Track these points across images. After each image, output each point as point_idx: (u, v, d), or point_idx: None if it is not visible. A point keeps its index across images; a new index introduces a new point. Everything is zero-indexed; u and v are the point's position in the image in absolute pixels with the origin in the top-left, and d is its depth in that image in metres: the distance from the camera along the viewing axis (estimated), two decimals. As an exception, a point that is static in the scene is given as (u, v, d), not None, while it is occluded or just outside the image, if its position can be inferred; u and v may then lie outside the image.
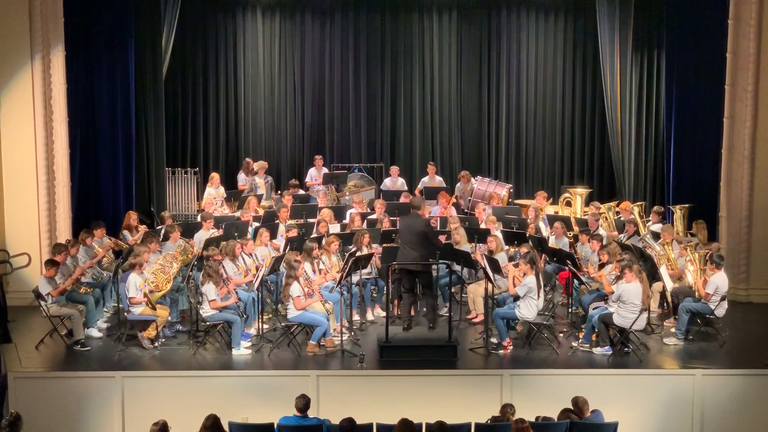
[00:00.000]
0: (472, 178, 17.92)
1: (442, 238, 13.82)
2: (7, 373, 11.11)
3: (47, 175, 14.48)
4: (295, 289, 11.80)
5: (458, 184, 18.11)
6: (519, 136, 20.67)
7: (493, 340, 12.19)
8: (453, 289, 13.44)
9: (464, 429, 9.57)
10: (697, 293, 12.41)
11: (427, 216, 15.59)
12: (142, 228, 14.89)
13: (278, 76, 20.33)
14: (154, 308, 11.99)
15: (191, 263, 13.02)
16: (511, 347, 12.11)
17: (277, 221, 14.86)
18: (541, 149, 20.69)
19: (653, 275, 12.99)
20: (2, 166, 14.40)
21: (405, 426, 8.92)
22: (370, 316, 13.48)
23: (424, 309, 12.99)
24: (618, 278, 12.01)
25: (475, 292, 13.34)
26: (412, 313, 12.97)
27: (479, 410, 10.09)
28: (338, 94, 20.47)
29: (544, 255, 13.74)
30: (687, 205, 15.97)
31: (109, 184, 16.61)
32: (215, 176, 17.23)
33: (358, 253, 12.82)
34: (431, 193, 17.20)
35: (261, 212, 15.68)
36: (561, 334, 12.72)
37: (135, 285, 11.87)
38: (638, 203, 16.73)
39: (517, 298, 12.06)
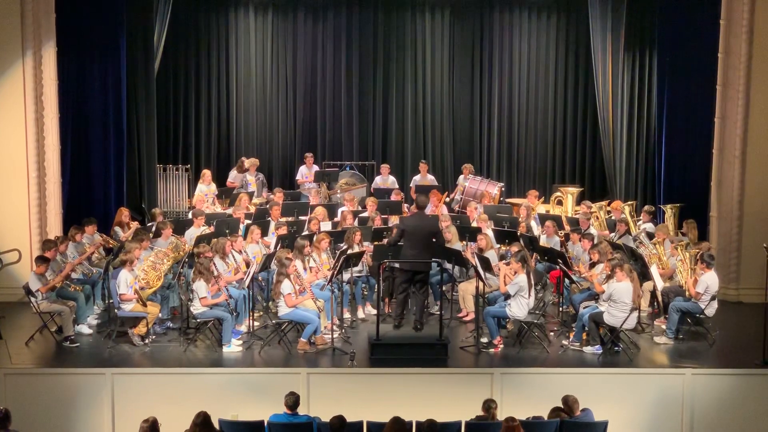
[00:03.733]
0: (469, 175, 17.94)
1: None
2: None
3: (38, 171, 14.45)
4: (286, 286, 11.80)
5: (461, 177, 18.15)
6: (511, 135, 20.69)
7: (484, 338, 12.20)
8: (444, 288, 13.44)
9: (454, 427, 9.58)
10: (687, 292, 12.44)
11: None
12: (134, 225, 14.86)
13: (270, 73, 20.32)
14: (144, 305, 11.97)
15: (182, 260, 13.00)
16: (501, 346, 12.12)
17: (269, 218, 14.86)
18: (532, 148, 20.71)
19: (644, 274, 13.01)
20: (-7, 162, 14.39)
21: (396, 424, 8.92)
22: (360, 314, 13.48)
23: (414, 307, 12.96)
24: (609, 277, 12.03)
25: (466, 290, 13.34)
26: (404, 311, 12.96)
27: (470, 408, 10.09)
28: (330, 91, 20.46)
29: (535, 254, 13.75)
30: (678, 205, 16.01)
31: (101, 181, 16.59)
32: (206, 173, 17.19)
33: (350, 251, 12.81)
34: (423, 192, 17.17)
35: (252, 209, 15.66)
36: (552, 333, 12.74)
37: (126, 282, 11.84)
38: (629, 202, 16.77)
39: (508, 296, 12.06)
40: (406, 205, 16.49)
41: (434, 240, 12.64)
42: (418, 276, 12.61)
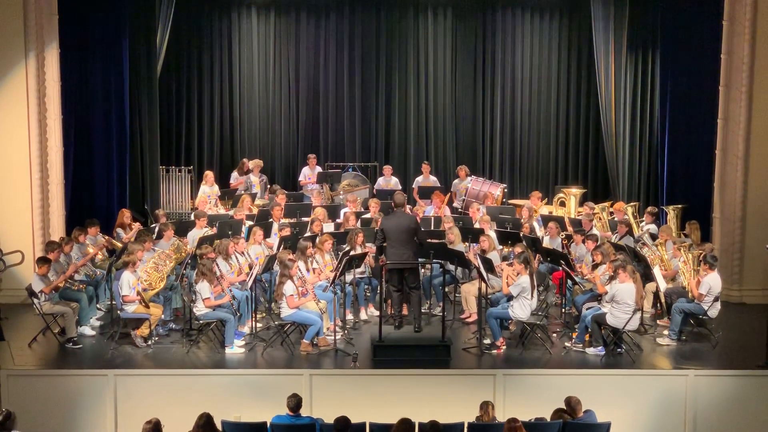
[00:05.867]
0: (468, 177, 17.87)
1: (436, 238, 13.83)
2: (-1, 370, 11.11)
3: (41, 172, 14.46)
4: (289, 287, 11.80)
5: (455, 180, 18.10)
6: (513, 136, 20.67)
7: (487, 340, 12.20)
8: (446, 289, 13.43)
9: (457, 429, 9.57)
10: (690, 294, 12.43)
11: (421, 215, 15.65)
12: (136, 226, 14.86)
13: (273, 74, 20.32)
14: (147, 306, 11.98)
15: (185, 261, 13.01)
16: (504, 347, 12.11)
17: (271, 220, 14.86)
18: (535, 149, 20.69)
19: (647, 275, 13.00)
20: (-4, 164, 14.40)
21: (404, 425, 8.91)
22: (363, 316, 13.49)
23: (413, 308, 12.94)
24: (611, 278, 12.02)
25: (469, 291, 13.34)
26: (405, 312, 12.94)
27: (472, 410, 10.08)
28: (333, 92, 20.44)
29: (538, 255, 13.74)
30: (680, 206, 16.00)
31: (103, 182, 16.60)
32: (209, 174, 17.17)
33: (352, 252, 12.81)
34: (425, 193, 17.19)
35: (255, 211, 15.66)
36: (554, 334, 12.74)
37: (128, 283, 11.85)
38: (632, 204, 16.75)
39: (510, 298, 12.06)
40: (408, 206, 16.46)
41: (416, 238, 12.58)
42: (409, 278, 12.56)
